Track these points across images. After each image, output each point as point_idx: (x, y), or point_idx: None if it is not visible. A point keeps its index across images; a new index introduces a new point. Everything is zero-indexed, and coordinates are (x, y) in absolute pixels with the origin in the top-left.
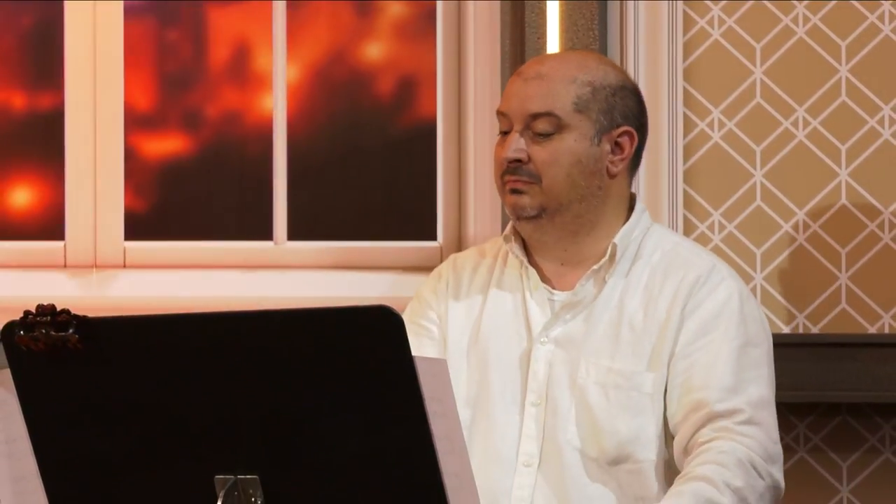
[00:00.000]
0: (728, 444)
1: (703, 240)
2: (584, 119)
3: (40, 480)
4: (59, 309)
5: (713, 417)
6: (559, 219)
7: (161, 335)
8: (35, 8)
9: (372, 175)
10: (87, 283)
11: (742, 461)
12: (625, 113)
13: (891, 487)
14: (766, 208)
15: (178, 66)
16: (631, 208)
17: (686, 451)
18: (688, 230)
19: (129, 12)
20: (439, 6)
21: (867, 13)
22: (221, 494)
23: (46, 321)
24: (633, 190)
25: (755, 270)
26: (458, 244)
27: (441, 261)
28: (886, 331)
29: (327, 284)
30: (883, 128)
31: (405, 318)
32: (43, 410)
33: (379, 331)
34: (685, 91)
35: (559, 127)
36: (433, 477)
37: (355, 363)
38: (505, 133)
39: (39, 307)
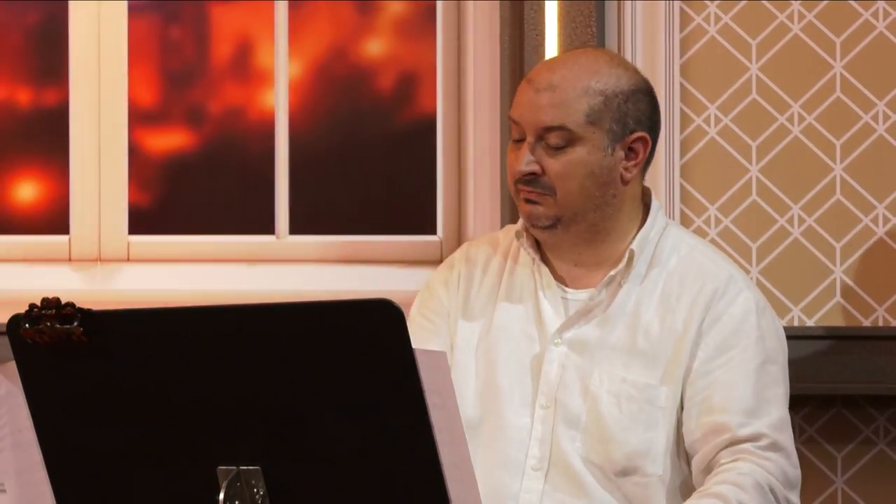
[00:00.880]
0: (748, 466)
1: (699, 234)
2: (597, 130)
3: (45, 471)
4: (63, 302)
5: (735, 441)
6: (574, 228)
7: (164, 328)
8: (40, 5)
9: (373, 170)
10: (91, 276)
11: (761, 484)
12: (638, 118)
13: (885, 478)
14: (761, 203)
15: (182, 63)
16: (646, 205)
17: (706, 472)
18: (684, 224)
19: (132, 9)
20: (439, 4)
21: (861, 10)
22: (224, 485)
23: (51, 314)
24: (646, 185)
25: (751, 264)
26: (458, 238)
27: (441, 255)
28: (880, 324)
29: (328, 278)
30: (877, 123)
31: (414, 308)
32: (48, 402)
33: (380, 324)
34: (682, 87)
35: (572, 140)
36: (433, 468)
37: (356, 356)
38: (517, 141)
39: (44, 300)
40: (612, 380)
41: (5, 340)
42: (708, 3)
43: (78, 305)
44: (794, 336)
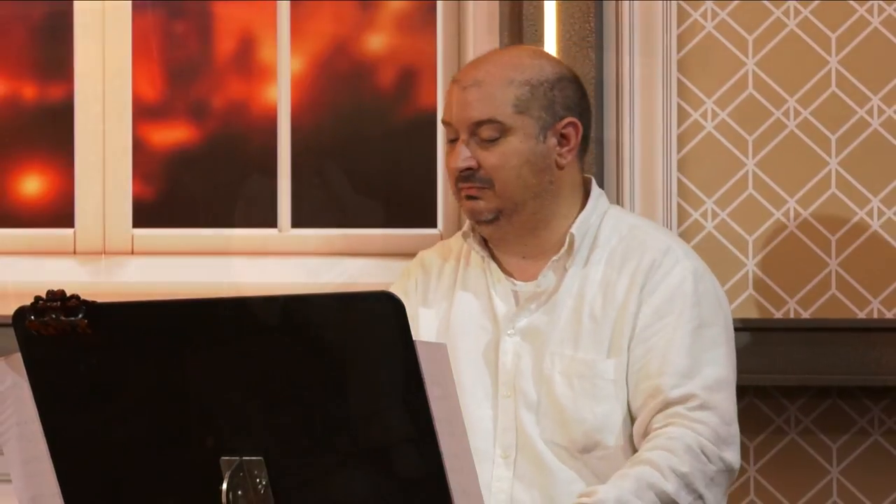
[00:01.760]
0: (678, 430)
1: (696, 227)
2: (527, 119)
3: (51, 462)
4: (68, 294)
5: (668, 404)
6: (516, 218)
7: (168, 320)
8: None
9: (373, 164)
10: (96, 269)
11: (691, 447)
12: (566, 104)
13: (880, 468)
14: (757, 196)
15: (185, 58)
16: (586, 193)
17: (643, 437)
18: (682, 218)
19: (136, 5)
20: (439, 4)
21: (857, 6)
22: (227, 475)
23: (56, 306)
24: (586, 174)
25: (747, 257)
26: (458, 231)
27: None
28: (875, 316)
29: (330, 271)
30: (872, 118)
31: None
32: (53, 394)
33: (381, 316)
34: (679, 82)
35: (503, 131)
36: (434, 459)
37: (358, 347)
38: (452, 141)
39: (50, 293)
40: (563, 360)
41: (11, 332)
42: None
43: (83, 298)
44: (789, 328)
